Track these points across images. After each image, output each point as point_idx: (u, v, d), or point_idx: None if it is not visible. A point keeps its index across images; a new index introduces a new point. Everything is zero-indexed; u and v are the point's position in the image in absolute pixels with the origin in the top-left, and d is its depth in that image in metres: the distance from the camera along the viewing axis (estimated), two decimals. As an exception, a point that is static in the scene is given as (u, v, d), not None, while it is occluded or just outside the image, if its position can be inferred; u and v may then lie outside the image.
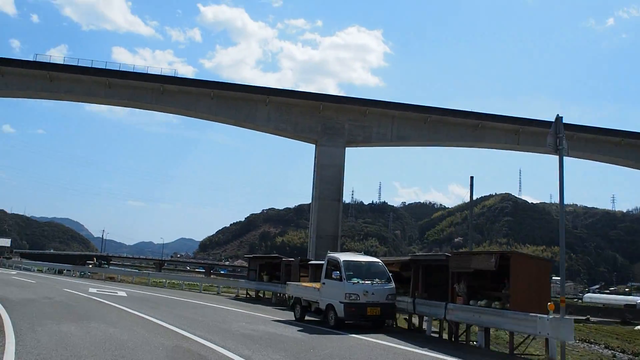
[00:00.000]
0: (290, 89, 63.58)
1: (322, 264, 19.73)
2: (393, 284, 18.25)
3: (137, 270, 74.79)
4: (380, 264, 19.06)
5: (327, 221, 52.63)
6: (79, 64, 54.10)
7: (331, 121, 54.43)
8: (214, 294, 37.22)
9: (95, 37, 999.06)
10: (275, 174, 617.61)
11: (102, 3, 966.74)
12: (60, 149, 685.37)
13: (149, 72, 54.69)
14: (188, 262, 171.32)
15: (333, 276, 17.78)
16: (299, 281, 26.15)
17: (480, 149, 64.59)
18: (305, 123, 54.60)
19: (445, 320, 17.23)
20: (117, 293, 27.30)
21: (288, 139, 58.78)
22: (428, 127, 56.43)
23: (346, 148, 54.93)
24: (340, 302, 17.28)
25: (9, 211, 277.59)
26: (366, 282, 17.72)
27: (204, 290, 40.57)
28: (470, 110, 57.55)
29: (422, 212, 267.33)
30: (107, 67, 53.77)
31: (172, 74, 55.93)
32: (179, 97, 54.21)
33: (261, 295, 35.87)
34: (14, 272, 45.82)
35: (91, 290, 27.83)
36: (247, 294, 36.99)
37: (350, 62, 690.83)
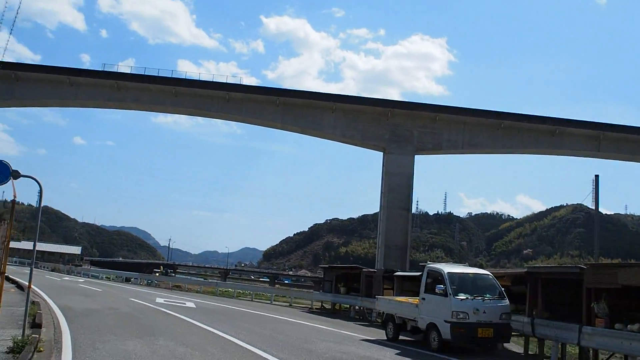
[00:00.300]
0: (357, 95, 61.40)
1: (410, 276, 17.50)
2: (507, 300, 15.71)
3: (203, 279, 74.03)
4: (490, 276, 16.55)
5: (396, 231, 50.51)
6: (146, 73, 53.86)
7: (400, 128, 52.34)
8: (285, 305, 35.22)
9: (161, 50, 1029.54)
10: (339, 184, 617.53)
11: (168, 17, 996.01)
12: (128, 160, 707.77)
13: (215, 80, 53.92)
14: (252, 271, 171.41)
15: (437, 290, 15.32)
16: (382, 294, 23.91)
17: (554, 156, 61.35)
18: (373, 130, 52.69)
19: (578, 346, 14.68)
20: (185, 304, 25.69)
21: (355, 147, 57.08)
22: (502, 134, 53.62)
23: (415, 156, 52.65)
24: (446, 322, 14.87)
25: (80, 220, 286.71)
26: (476, 298, 15.26)
27: (274, 301, 38.50)
28: (546, 115, 54.39)
29: (489, 223, 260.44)
30: (173, 76, 53.35)
31: (238, 82, 54.98)
32: (245, 105, 53.24)
33: (337, 308, 33.60)
34: (81, 279, 45.28)
35: (158, 300, 26.39)
36: (322, 306, 34.73)
37: (413, 71, 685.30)
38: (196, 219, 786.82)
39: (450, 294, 15.04)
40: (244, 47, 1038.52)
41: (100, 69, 53.84)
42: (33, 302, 17.35)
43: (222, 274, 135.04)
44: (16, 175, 11.31)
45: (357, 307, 29.95)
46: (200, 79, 53.31)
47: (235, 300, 35.73)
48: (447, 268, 16.28)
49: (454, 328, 14.63)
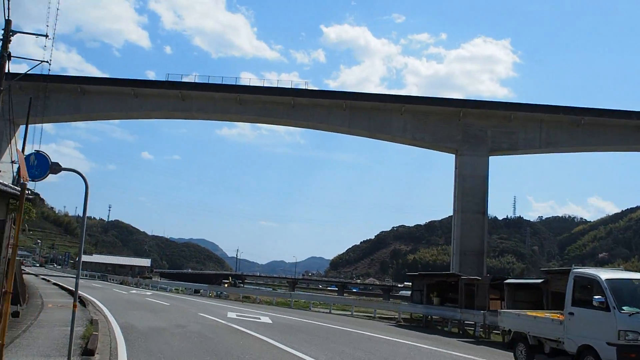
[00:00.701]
0: (427, 96, 58.98)
1: (525, 284, 14.27)
2: None
3: (271, 289, 73.04)
4: None
5: (471, 236, 48.43)
6: (210, 82, 53.58)
7: (472, 128, 50.22)
8: (368, 318, 31.56)
9: (224, 63, 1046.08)
10: (404, 190, 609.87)
11: (230, 31, 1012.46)
12: (194, 173, 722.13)
13: (279, 86, 53.15)
14: (320, 280, 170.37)
15: (594, 303, 11.92)
16: (488, 305, 21.38)
17: (629, 154, 57.29)
18: (444, 131, 50.78)
19: None
20: (259, 319, 22.79)
21: (419, 151, 55.43)
22: (582, 131, 50.82)
23: (489, 157, 50.39)
24: (610, 344, 11.54)
25: (149, 233, 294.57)
26: None
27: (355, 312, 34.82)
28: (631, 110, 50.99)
29: (560, 226, 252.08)
30: (237, 84, 52.85)
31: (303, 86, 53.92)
32: (311, 110, 52.23)
33: (429, 319, 29.30)
34: (149, 292, 43.33)
35: (230, 315, 23.66)
36: (411, 318, 30.98)
37: (477, 74, 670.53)
38: (262, 229, 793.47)
39: (613, 308, 11.68)
40: (305, 57, 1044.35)
41: (164, 79, 54.03)
42: (91, 321, 15.71)
43: (290, 284, 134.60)
44: (56, 169, 9.92)
45: (456, 321, 25.80)
46: (265, 86, 52.66)
47: (312, 313, 32.52)
48: (604, 273, 12.82)
49: (622, 353, 11.30)
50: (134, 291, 41.96)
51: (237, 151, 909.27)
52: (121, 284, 58.80)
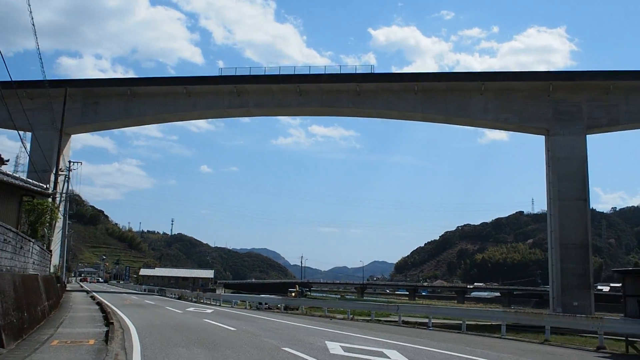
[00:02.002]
0: (511, 70, 51.67)
1: None
2: None
3: (340, 297, 67.22)
4: None
5: (572, 227, 42.29)
6: (266, 73, 49.00)
7: (564, 104, 44.07)
8: (497, 337, 20.94)
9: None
10: (465, 189, 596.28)
11: (280, 41, 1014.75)
12: (252, 184, 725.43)
13: (342, 72, 48.14)
14: (389, 284, 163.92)
15: None
16: None
17: None
18: (531, 110, 44.79)
19: None
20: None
21: (511, 132, 48.71)
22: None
23: (587, 135, 44.03)
24: None
25: (212, 244, 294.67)
26: None
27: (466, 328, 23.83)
28: None
29: (636, 217, 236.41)
30: (296, 73, 48.08)
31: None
32: (378, 97, 47.07)
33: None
34: (209, 310, 32.34)
35: (331, 348, 13.20)
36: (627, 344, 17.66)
37: (533, 65, 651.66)
38: (323, 236, 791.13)
39: None
40: (356, 61, 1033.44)
41: (217, 75, 49.75)
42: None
43: (358, 290, 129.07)
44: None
45: None
46: (327, 72, 47.59)
47: (453, 337, 20.42)
48: None
49: None
50: (191, 309, 29.41)
51: (293, 159, 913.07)
52: (179, 298, 51.41)
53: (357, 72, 47.47)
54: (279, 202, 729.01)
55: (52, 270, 47.68)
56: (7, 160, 17.52)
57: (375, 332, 19.42)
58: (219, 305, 41.35)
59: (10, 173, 17.70)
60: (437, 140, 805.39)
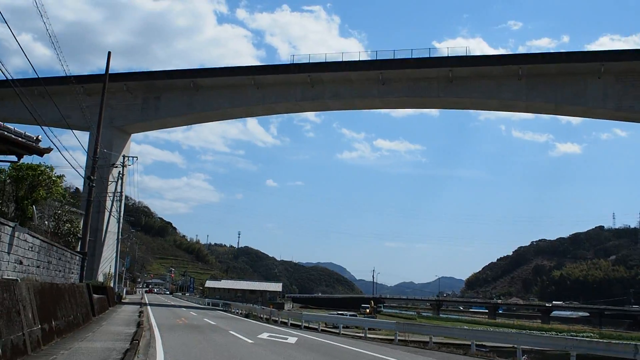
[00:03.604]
0: (633, 48, 42.46)
1: None
2: None
3: (415, 313, 60.58)
4: None
5: None
6: (344, 59, 43.50)
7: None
8: None
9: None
10: (540, 201, 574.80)
11: (344, 56, 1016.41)
12: (318, 198, 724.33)
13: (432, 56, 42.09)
14: (466, 302, 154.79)
15: None
16: None
17: None
18: (662, 95, 37.12)
19: None
20: None
21: (631, 123, 41.37)
22: None
23: None
24: None
25: (278, 258, 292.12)
26: None
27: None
28: None
29: None
30: (378, 58, 42.38)
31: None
32: (473, 83, 40.85)
33: None
34: (293, 339, 21.02)
35: None
36: None
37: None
38: (389, 250, 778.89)
39: None
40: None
41: (289, 62, 44.55)
42: None
43: (434, 306, 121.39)
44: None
45: None
46: (414, 57, 41.56)
47: None
48: None
49: None
50: (264, 335, 21.25)
51: (358, 174, 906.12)
52: (247, 317, 40.27)
53: (450, 55, 41.32)
54: (345, 217, 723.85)
55: (101, 279, 43.87)
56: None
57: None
58: (305, 330, 30.38)
59: None
60: (504, 154, 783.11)
